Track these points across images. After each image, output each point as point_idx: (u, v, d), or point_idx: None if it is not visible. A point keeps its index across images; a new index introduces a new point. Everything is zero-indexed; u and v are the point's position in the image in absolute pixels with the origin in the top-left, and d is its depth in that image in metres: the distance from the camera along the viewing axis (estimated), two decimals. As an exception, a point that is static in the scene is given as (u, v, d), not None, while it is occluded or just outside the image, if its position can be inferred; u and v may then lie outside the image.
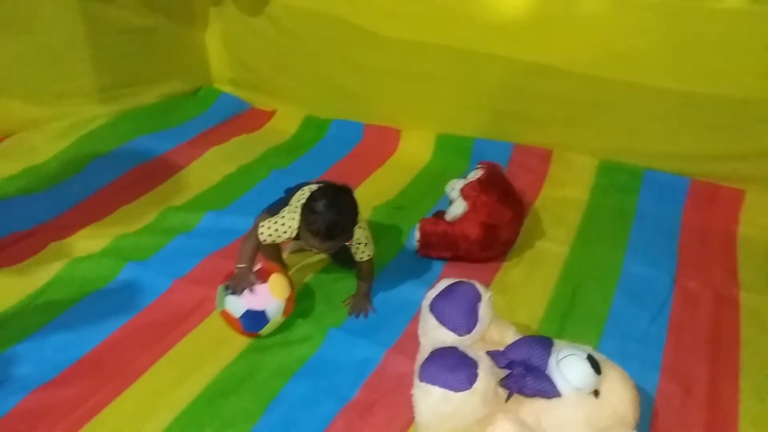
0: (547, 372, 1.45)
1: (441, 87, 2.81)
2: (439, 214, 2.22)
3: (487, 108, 2.77)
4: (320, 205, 1.73)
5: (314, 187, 1.88)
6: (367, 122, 3.06)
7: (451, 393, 1.35)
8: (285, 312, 1.80)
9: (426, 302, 1.57)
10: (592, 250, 2.23)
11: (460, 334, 1.49)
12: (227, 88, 3.36)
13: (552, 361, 1.43)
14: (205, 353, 1.78)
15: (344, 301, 1.96)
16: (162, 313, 1.91)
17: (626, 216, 2.45)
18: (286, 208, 1.86)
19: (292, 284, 1.84)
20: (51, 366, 1.70)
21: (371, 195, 2.54)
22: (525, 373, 1.41)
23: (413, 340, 1.68)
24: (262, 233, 1.81)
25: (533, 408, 1.40)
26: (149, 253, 2.17)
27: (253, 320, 1.75)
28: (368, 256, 1.91)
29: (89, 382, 1.66)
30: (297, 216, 1.79)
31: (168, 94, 3.18)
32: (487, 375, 1.40)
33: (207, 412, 1.59)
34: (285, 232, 1.80)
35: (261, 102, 3.30)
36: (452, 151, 2.83)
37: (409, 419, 1.53)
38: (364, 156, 2.89)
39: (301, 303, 1.94)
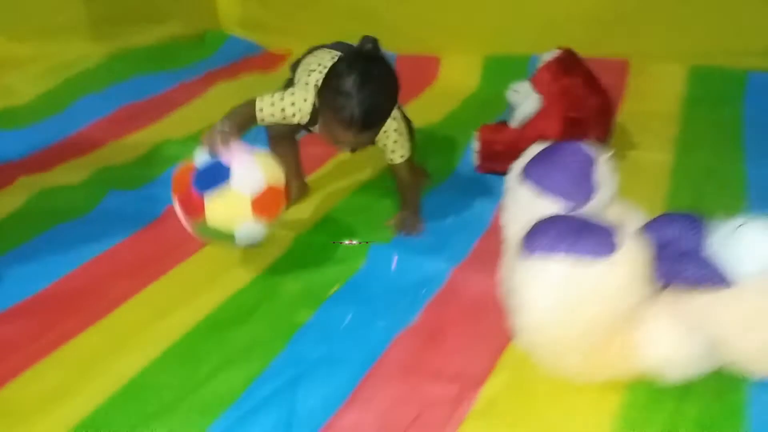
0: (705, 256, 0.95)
1: (484, 1, 2.37)
2: (502, 123, 1.75)
3: (543, 18, 2.32)
4: (350, 82, 1.23)
5: (331, 56, 1.40)
6: (399, 53, 2.61)
7: (583, 264, 0.85)
8: (266, 207, 1.17)
9: (514, 173, 1.08)
10: (702, 157, 1.73)
11: (575, 203, 0.99)
12: (236, 31, 2.94)
13: (716, 239, 0.94)
14: (205, 281, 1.32)
15: (387, 222, 1.48)
16: (151, 242, 1.47)
17: (733, 126, 1.95)
18: (292, 88, 1.39)
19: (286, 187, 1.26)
20: (7, 297, 1.27)
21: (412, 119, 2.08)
22: (680, 257, 0.92)
23: (486, 257, 1.20)
24: (261, 109, 1.33)
25: (696, 305, 0.90)
26: (140, 182, 1.74)
27: (211, 175, 1.15)
28: (402, 156, 1.42)
29: (48, 315, 1.22)
30: (311, 96, 1.33)
31: (169, 35, 2.76)
32: (635, 243, 0.91)
33: (204, 345, 1.13)
34: (293, 115, 1.33)
35: (275, 43, 2.88)
36: (505, 73, 2.32)
37: (494, 345, 1.05)
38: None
39: (329, 225, 1.48)
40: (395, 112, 1.39)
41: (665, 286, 0.92)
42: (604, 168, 1.03)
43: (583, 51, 2.30)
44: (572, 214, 0.97)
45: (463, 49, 2.49)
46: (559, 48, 1.75)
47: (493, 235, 1.20)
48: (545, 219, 0.92)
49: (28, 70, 2.37)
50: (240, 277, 1.32)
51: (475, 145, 1.70)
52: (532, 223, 0.95)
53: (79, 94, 2.31)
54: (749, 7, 2.05)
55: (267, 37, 2.89)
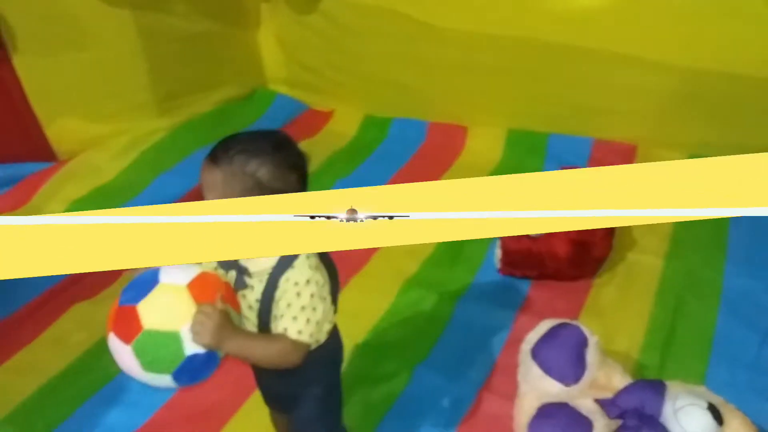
0: (661, 420, 1.34)
1: (511, 80, 2.66)
2: (520, 228, 2.09)
3: (562, 101, 2.60)
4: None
5: None
6: (430, 120, 2.92)
7: None
8: (205, 290, 1.03)
9: (527, 346, 1.47)
10: (689, 261, 2.07)
11: (567, 384, 1.38)
12: (282, 89, 3.26)
13: (668, 409, 1.32)
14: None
15: None
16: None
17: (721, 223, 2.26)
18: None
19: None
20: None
21: (442, 203, 2.42)
22: (640, 425, 1.30)
23: (506, 377, 1.59)
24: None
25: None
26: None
27: (138, 287, 1.04)
28: (299, 333, 1.05)
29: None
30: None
31: (223, 99, 3.10)
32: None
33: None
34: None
35: (318, 102, 3.19)
36: (525, 148, 2.68)
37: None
38: (429, 158, 2.76)
39: (384, 331, 1.87)
40: (309, 266, 1.05)
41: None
42: (594, 348, 1.40)
43: (597, 134, 2.62)
44: (567, 390, 1.35)
45: (488, 121, 2.79)
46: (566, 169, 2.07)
47: (513, 347, 1.58)
48: (546, 410, 1.31)
49: (110, 147, 2.74)
50: None
51: (498, 253, 2.05)
52: (538, 397, 1.33)
53: (155, 172, 2.67)
54: (751, 107, 2.30)
55: (311, 96, 3.20)
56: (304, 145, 2.97)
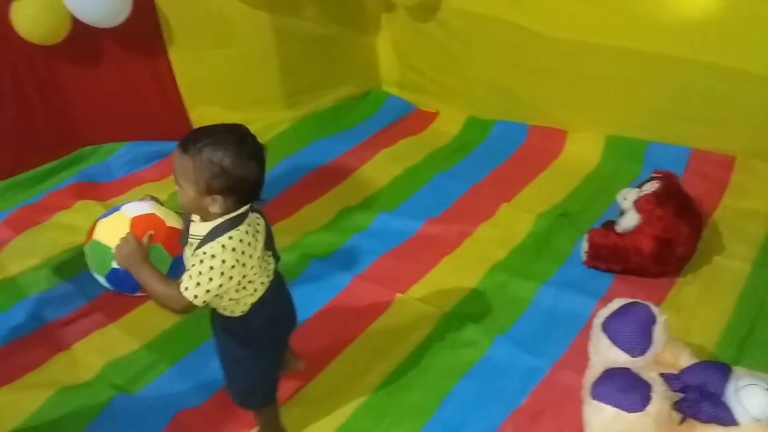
0: (723, 399, 1.43)
1: (612, 88, 2.75)
2: (609, 225, 2.20)
3: (662, 110, 2.67)
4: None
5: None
6: (531, 123, 3.07)
7: (624, 413, 1.38)
8: (145, 227, 1.37)
9: (598, 321, 1.61)
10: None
11: (633, 356, 1.51)
12: (394, 91, 3.53)
13: (730, 388, 1.41)
14: (382, 347, 1.95)
15: None
16: (343, 308, 2.12)
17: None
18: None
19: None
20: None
21: (535, 200, 2.57)
22: (700, 399, 1.41)
23: (580, 355, 1.73)
24: None
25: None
26: (330, 249, 2.39)
27: (111, 211, 1.48)
28: (186, 289, 1.24)
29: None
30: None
31: (342, 97, 3.42)
32: (660, 398, 1.41)
33: (386, 403, 1.76)
34: None
35: (425, 103, 3.43)
36: (623, 155, 2.76)
37: (578, 430, 1.59)
38: (527, 158, 2.91)
39: (467, 305, 2.05)
40: (223, 245, 1.23)
41: (684, 420, 1.41)
42: (661, 327, 1.52)
43: (695, 144, 2.66)
44: (632, 361, 1.48)
45: (587, 127, 2.90)
46: (659, 173, 2.16)
47: (588, 333, 1.72)
48: (609, 372, 1.45)
49: (241, 134, 3.12)
50: (400, 350, 1.92)
51: (585, 245, 2.17)
52: (605, 365, 1.47)
53: (279, 157, 3.02)
54: None
55: (419, 97, 3.44)
56: (408, 141, 3.24)
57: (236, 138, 1.26)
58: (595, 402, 1.43)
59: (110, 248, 1.35)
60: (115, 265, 1.36)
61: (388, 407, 1.75)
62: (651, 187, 2.09)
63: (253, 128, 2.97)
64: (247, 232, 1.28)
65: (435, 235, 2.42)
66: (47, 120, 2.85)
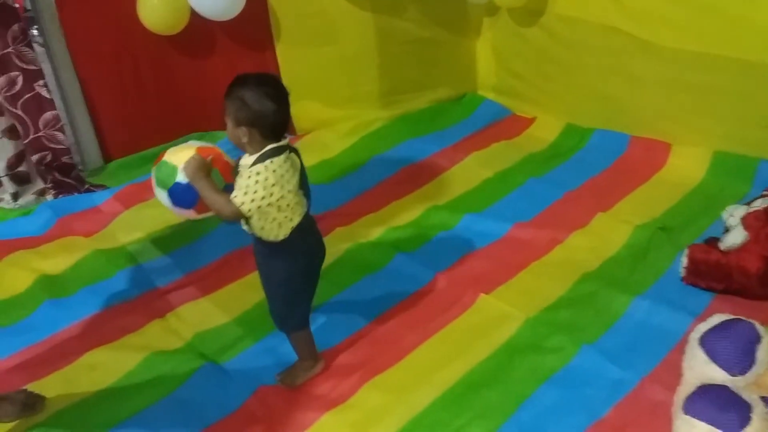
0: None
1: (723, 100, 2.61)
2: (712, 242, 2.08)
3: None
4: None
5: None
6: (632, 134, 2.96)
7: None
8: (206, 154, 1.63)
9: (695, 335, 1.51)
10: None
11: (732, 374, 1.41)
12: (490, 95, 3.50)
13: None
14: (462, 344, 1.93)
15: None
16: (425, 301, 2.12)
17: None
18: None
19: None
20: (337, 331, 2.00)
21: (633, 211, 2.47)
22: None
23: (672, 371, 1.63)
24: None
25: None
26: (415, 246, 2.40)
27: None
28: (235, 197, 1.54)
29: (368, 349, 1.93)
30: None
31: (437, 99, 3.44)
32: (761, 420, 1.31)
33: (463, 399, 1.74)
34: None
35: (522, 109, 3.38)
36: (731, 172, 2.60)
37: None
38: (627, 169, 2.80)
39: (554, 312, 1.99)
40: (265, 167, 1.52)
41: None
42: (766, 346, 1.41)
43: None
44: (731, 379, 1.38)
45: (693, 141, 2.75)
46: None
47: (682, 349, 1.62)
48: (705, 388, 1.36)
49: (338, 129, 3.21)
50: (483, 348, 1.89)
51: (684, 261, 2.06)
52: (700, 381, 1.38)
53: (371, 153, 3.07)
54: None
55: (516, 102, 3.40)
56: (502, 145, 3.20)
57: (259, 81, 1.55)
58: (687, 417, 1.34)
59: (177, 166, 1.61)
60: (178, 179, 1.61)
61: (464, 404, 1.72)
62: (761, 204, 1.96)
63: (347, 125, 3.23)
64: (284, 161, 1.55)
65: (524, 239, 2.38)
66: (161, 106, 3.05)
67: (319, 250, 1.79)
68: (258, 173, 1.52)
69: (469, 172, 2.89)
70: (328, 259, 2.28)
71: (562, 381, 1.77)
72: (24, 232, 2.61)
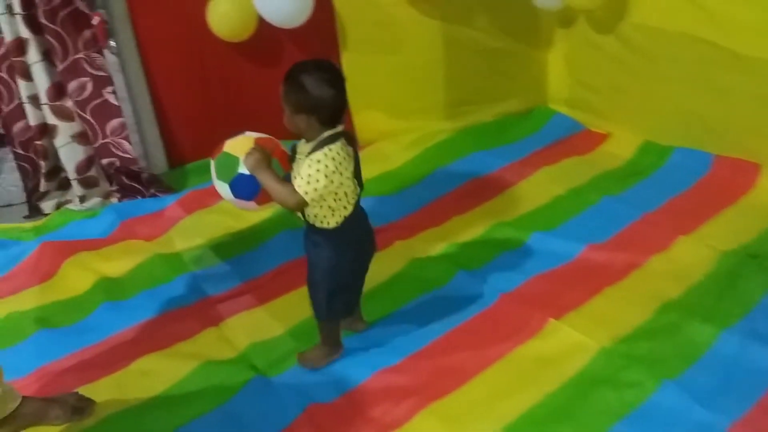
0: None
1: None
2: (813, 272, 1.87)
3: None
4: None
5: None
6: (717, 153, 2.74)
7: None
8: (264, 145, 1.66)
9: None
10: None
11: None
12: (562, 109, 3.35)
13: None
14: (528, 373, 1.79)
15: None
16: (488, 324, 1.99)
17: None
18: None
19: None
20: (395, 351, 1.89)
21: (719, 236, 2.27)
22: None
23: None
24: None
25: None
26: (478, 264, 2.27)
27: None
28: (299, 186, 1.54)
29: (425, 373, 1.81)
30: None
31: (505, 112, 3.31)
32: None
33: (530, 434, 1.60)
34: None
35: (595, 124, 3.21)
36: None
37: None
38: (710, 191, 2.59)
39: (631, 343, 1.83)
40: (324, 154, 1.52)
41: None
42: None
43: None
44: None
45: (788, 161, 2.53)
46: None
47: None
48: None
49: (401, 141, 3.13)
50: (551, 380, 1.74)
51: (780, 292, 1.85)
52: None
53: (434, 165, 2.97)
54: None
55: (589, 117, 3.23)
56: (573, 161, 3.04)
57: (318, 66, 1.55)
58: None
59: (238, 157, 1.63)
60: (240, 171, 1.63)
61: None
62: None
63: (411, 136, 3.14)
64: (342, 149, 1.55)
65: (597, 262, 2.21)
66: (227, 112, 3.05)
67: (368, 243, 1.79)
68: (319, 161, 1.52)
69: (538, 188, 2.74)
70: (386, 273, 2.24)
71: (640, 419, 1.60)
72: (88, 234, 2.63)
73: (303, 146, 1.61)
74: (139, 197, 2.84)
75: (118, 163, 2.79)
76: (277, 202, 1.62)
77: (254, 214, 2.61)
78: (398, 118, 3.14)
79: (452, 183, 2.83)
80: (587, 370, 1.77)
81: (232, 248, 2.48)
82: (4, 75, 2.61)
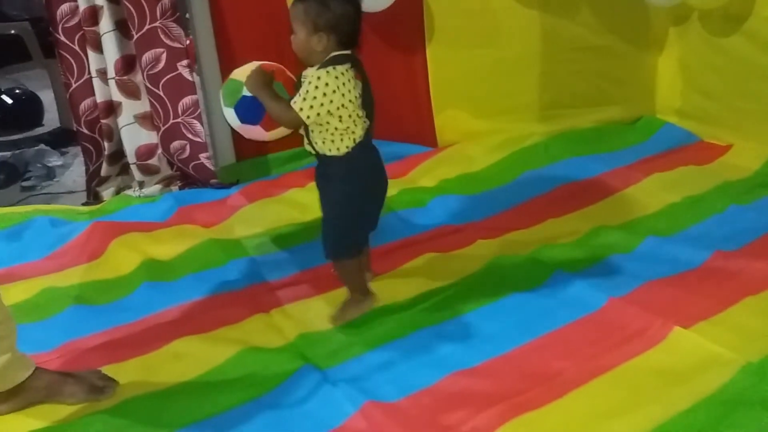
0: None
1: None
2: None
3: None
4: None
5: None
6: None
7: None
8: (268, 67, 1.64)
9: None
10: None
11: None
12: (672, 119, 2.94)
13: None
14: (648, 388, 1.39)
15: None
16: (595, 330, 1.61)
17: None
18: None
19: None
20: (474, 352, 1.56)
21: None
22: None
23: None
24: None
25: None
26: (581, 265, 1.91)
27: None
28: (295, 102, 1.51)
29: (514, 379, 1.46)
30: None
31: (605, 119, 2.94)
32: None
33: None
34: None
35: (714, 135, 2.78)
36: None
37: None
38: None
39: None
40: (326, 72, 1.49)
41: None
42: None
43: None
44: None
45: None
46: None
47: None
48: None
49: (486, 143, 2.81)
50: (680, 397, 1.35)
51: None
52: None
53: (522, 169, 2.63)
54: None
55: (704, 127, 2.81)
56: (690, 170, 2.59)
57: None
58: None
59: (242, 81, 1.61)
60: (243, 93, 1.61)
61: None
62: None
63: (497, 138, 2.77)
64: (347, 70, 1.51)
65: (731, 270, 1.80)
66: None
67: (379, 174, 1.70)
68: (318, 78, 1.49)
69: (649, 194, 2.34)
70: (469, 265, 1.92)
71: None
72: (144, 218, 2.45)
73: (308, 71, 1.57)
74: (201, 186, 2.65)
75: (187, 150, 2.61)
76: (275, 120, 1.59)
77: (316, 206, 2.35)
78: (484, 119, 2.84)
79: (544, 186, 2.48)
80: (729, 387, 1.37)
81: (294, 238, 2.23)
82: (76, 47, 2.51)
